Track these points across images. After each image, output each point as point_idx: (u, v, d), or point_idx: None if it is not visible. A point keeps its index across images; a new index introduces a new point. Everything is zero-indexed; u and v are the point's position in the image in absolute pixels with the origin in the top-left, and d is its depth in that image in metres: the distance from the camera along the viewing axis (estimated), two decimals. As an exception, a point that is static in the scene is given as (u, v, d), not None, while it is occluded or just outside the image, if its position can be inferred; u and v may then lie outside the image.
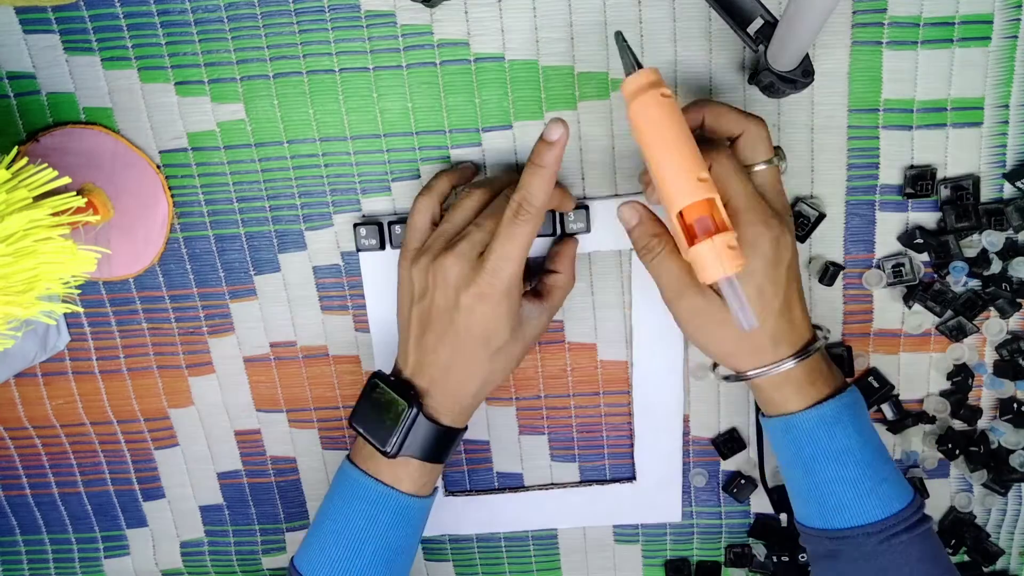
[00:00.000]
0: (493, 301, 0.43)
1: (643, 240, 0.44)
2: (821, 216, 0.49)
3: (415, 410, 0.45)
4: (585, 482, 0.57)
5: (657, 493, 0.56)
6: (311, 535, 0.48)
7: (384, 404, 0.45)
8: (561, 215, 0.49)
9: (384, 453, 0.45)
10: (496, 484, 0.57)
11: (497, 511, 0.57)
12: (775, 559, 0.56)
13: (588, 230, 0.49)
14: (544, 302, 0.47)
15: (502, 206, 0.44)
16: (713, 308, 0.42)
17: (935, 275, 0.51)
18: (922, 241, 0.50)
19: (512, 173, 0.48)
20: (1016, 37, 0.47)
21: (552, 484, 0.57)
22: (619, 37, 0.41)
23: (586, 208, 0.49)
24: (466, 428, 0.48)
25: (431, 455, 0.46)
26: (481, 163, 0.50)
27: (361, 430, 0.46)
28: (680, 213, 0.38)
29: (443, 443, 0.46)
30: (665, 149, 0.38)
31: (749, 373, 0.44)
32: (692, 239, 0.38)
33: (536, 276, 0.49)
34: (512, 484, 0.57)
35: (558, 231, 0.50)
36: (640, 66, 0.39)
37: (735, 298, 0.38)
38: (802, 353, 0.43)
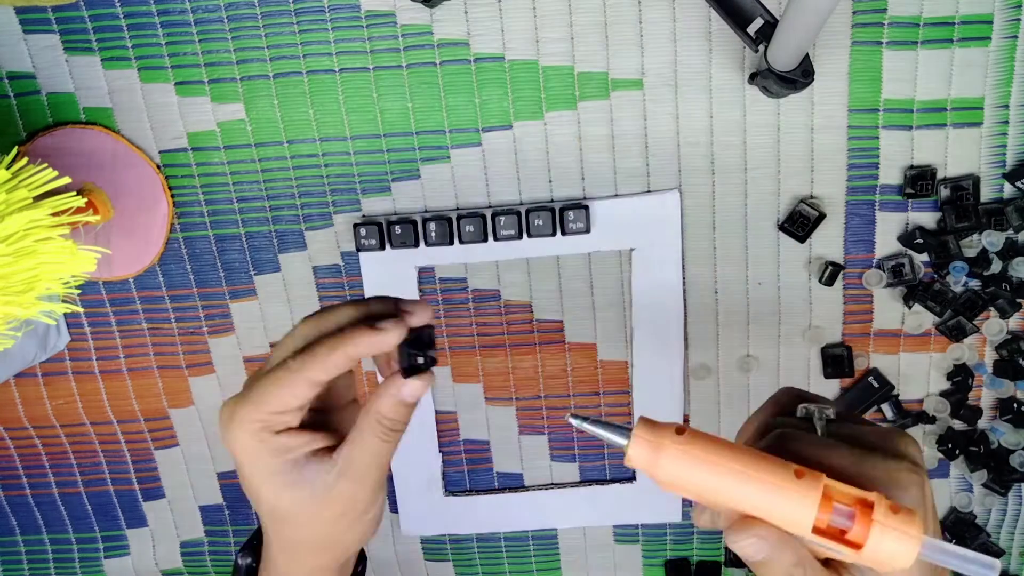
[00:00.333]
0: (235, 447, 0.34)
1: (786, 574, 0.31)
2: (821, 216, 0.49)
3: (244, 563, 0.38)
4: (585, 482, 0.57)
5: (657, 493, 0.56)
6: None
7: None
8: (561, 214, 0.49)
9: None
10: (496, 484, 0.57)
11: (497, 511, 0.57)
12: None
13: (588, 230, 0.49)
14: (336, 456, 0.34)
15: (279, 343, 0.35)
16: None
17: (935, 275, 0.51)
18: (922, 241, 0.50)
19: (349, 309, 0.35)
20: (1016, 37, 0.47)
21: (552, 484, 0.57)
22: (582, 421, 0.32)
23: (586, 208, 0.49)
24: None
25: None
26: (481, 163, 0.50)
27: None
28: (814, 529, 0.29)
29: None
30: (737, 484, 0.30)
31: None
32: (842, 537, 0.29)
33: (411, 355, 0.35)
34: (512, 484, 0.57)
35: (557, 232, 0.49)
36: (627, 430, 0.32)
37: (958, 555, 0.30)
38: None
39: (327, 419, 0.36)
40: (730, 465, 0.30)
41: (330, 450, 0.34)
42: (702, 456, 0.30)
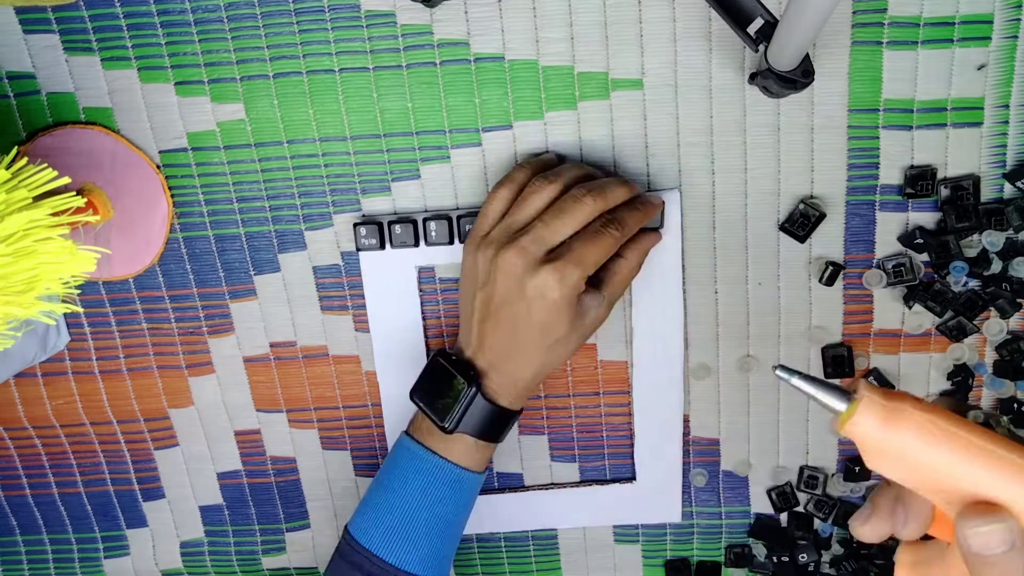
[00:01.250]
0: (555, 297, 0.44)
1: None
2: (822, 216, 0.49)
3: (474, 389, 0.46)
4: (585, 482, 0.57)
5: (657, 493, 0.56)
6: (366, 503, 0.49)
7: (445, 381, 0.47)
8: None
9: (442, 428, 0.46)
10: (496, 484, 0.57)
11: (497, 511, 0.57)
12: (775, 559, 0.56)
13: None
14: (604, 291, 0.47)
15: (576, 211, 0.44)
16: None
17: (935, 275, 0.51)
18: (922, 241, 0.50)
19: (580, 166, 0.47)
20: (1016, 37, 0.47)
21: (552, 484, 0.57)
22: (798, 376, 0.29)
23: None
24: (522, 410, 0.49)
25: (487, 434, 0.47)
26: (481, 163, 0.50)
27: (422, 404, 0.47)
28: None
29: (499, 423, 0.47)
30: (989, 463, 0.26)
31: None
32: None
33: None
34: (512, 484, 0.57)
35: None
36: (850, 392, 0.28)
37: None
38: None
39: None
40: (974, 440, 0.26)
41: (589, 286, 0.46)
42: (949, 429, 0.27)
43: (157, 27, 0.48)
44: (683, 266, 0.52)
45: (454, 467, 0.47)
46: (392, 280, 0.52)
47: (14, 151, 0.38)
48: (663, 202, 0.49)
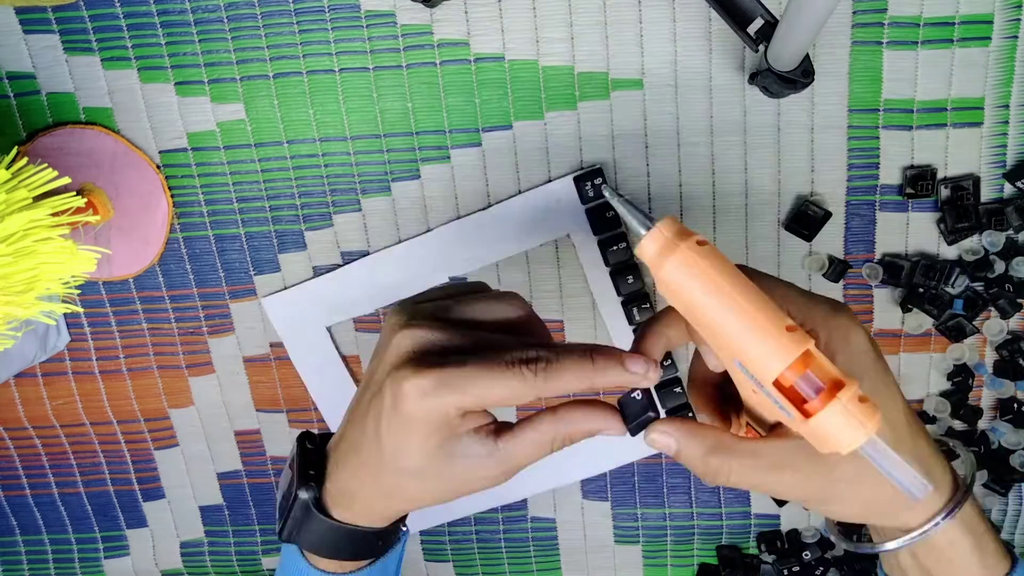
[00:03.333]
0: (407, 414, 0.31)
1: (702, 464, 0.32)
2: (828, 214, 0.49)
3: (304, 495, 0.35)
4: None
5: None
6: None
7: (286, 474, 0.37)
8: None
9: (278, 534, 0.37)
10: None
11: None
12: (785, 571, 0.56)
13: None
14: (499, 442, 0.33)
15: (496, 298, 0.35)
16: (842, 469, 0.32)
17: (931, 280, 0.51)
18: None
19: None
20: (1016, 37, 0.47)
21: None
22: (614, 196, 0.31)
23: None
24: (396, 531, 0.38)
25: (335, 553, 0.37)
26: (481, 163, 0.50)
27: (278, 496, 0.38)
28: (776, 381, 0.29)
29: (346, 543, 0.36)
30: (729, 309, 0.29)
31: (910, 535, 0.33)
32: (802, 405, 0.29)
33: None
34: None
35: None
36: (652, 220, 0.30)
37: (895, 465, 0.29)
38: (954, 504, 0.34)
39: None
40: (731, 291, 0.29)
41: (485, 428, 0.33)
42: (708, 272, 0.29)
43: (157, 27, 0.48)
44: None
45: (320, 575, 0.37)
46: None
47: (14, 151, 0.38)
48: (641, 393, 0.35)
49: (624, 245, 0.50)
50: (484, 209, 0.51)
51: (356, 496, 0.35)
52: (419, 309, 0.34)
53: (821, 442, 0.29)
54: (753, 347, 0.29)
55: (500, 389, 0.31)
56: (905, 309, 0.51)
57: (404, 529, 0.39)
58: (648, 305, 0.51)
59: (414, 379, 0.31)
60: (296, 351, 0.53)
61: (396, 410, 0.32)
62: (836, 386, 0.29)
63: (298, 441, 0.38)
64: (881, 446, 0.29)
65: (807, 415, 0.29)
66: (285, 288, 0.52)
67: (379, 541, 0.37)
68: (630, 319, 0.51)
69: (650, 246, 0.30)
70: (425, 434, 0.32)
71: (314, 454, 0.37)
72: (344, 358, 0.54)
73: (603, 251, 0.50)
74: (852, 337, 0.33)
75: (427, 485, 0.34)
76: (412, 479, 0.33)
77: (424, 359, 0.32)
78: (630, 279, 0.51)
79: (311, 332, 0.53)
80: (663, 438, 0.33)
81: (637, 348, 0.34)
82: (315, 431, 0.39)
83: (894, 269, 0.50)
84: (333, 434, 0.37)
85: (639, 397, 0.34)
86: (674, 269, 0.30)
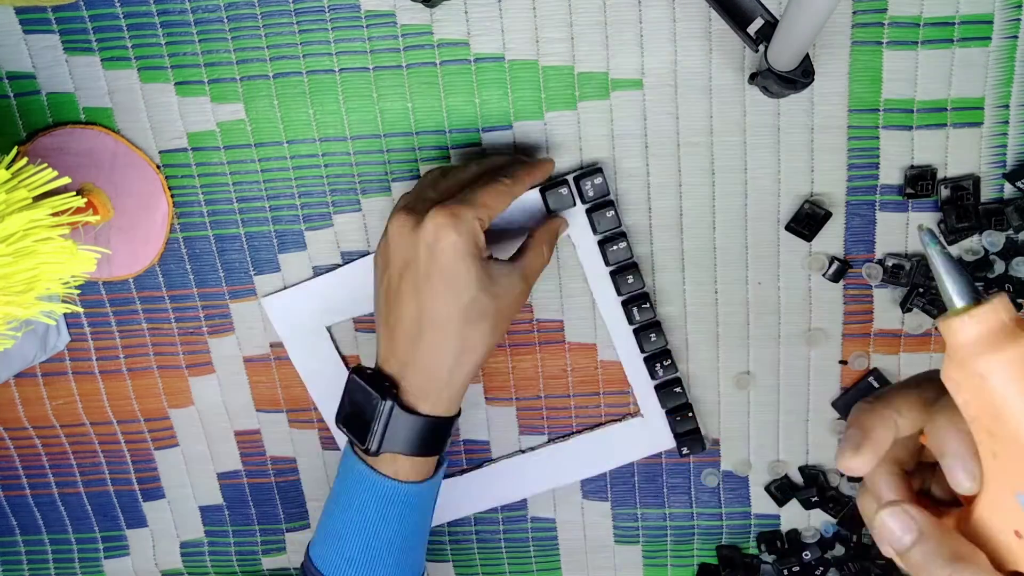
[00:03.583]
0: (453, 241, 0.40)
1: (940, 565, 0.27)
2: (828, 215, 0.49)
3: (389, 403, 0.42)
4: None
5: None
6: (323, 526, 0.47)
7: (360, 400, 0.43)
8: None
9: (367, 451, 0.43)
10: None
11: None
12: (785, 571, 0.56)
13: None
14: (514, 262, 0.44)
15: (459, 171, 0.45)
16: None
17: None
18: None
19: (506, 156, 0.48)
20: (1016, 37, 0.47)
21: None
22: (936, 247, 0.26)
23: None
24: (458, 414, 0.45)
25: (419, 449, 0.43)
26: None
27: (344, 430, 0.44)
28: None
29: (428, 435, 0.43)
30: None
31: None
32: None
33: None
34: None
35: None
36: (979, 294, 0.25)
37: None
38: None
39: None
40: None
41: (496, 260, 0.43)
42: None
43: (157, 27, 0.48)
44: (683, 266, 0.52)
45: (399, 485, 0.44)
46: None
47: (14, 151, 0.38)
48: (552, 162, 0.47)
49: (624, 245, 0.50)
50: None
51: (437, 376, 0.42)
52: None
53: None
54: None
55: (493, 195, 0.42)
56: (905, 309, 0.51)
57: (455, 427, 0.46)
58: (648, 304, 0.51)
59: (438, 215, 0.40)
60: (296, 351, 0.53)
61: (440, 244, 0.40)
62: None
63: (355, 372, 0.44)
64: None
65: None
66: (285, 288, 0.52)
67: (449, 430, 0.45)
68: (630, 319, 0.51)
69: (973, 328, 0.25)
70: (469, 255, 0.40)
71: (373, 377, 0.44)
72: (344, 358, 0.54)
73: (603, 251, 0.50)
74: None
75: (488, 316, 0.42)
76: (477, 315, 0.41)
77: (424, 213, 0.41)
78: (630, 278, 0.51)
79: (311, 332, 0.53)
80: (901, 521, 0.27)
81: (852, 427, 0.29)
82: (366, 367, 0.45)
83: (895, 269, 0.50)
84: (376, 363, 0.44)
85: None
86: (1006, 366, 0.24)
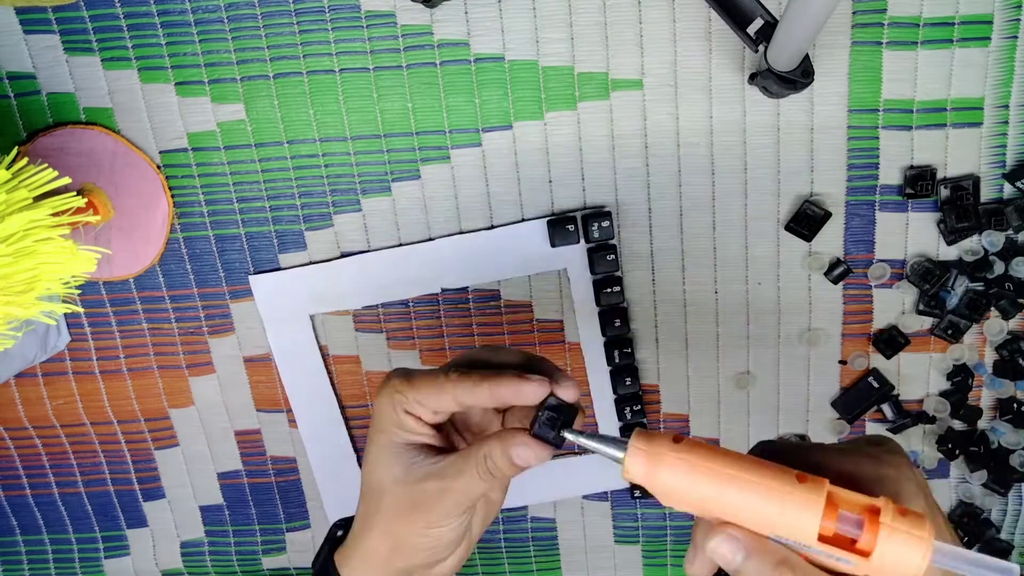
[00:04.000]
0: (376, 405, 0.37)
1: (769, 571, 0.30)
2: (828, 215, 0.49)
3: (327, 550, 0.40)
4: (557, 455, 0.56)
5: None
6: None
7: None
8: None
9: None
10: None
11: None
12: None
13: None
14: (447, 457, 0.37)
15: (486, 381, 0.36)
16: None
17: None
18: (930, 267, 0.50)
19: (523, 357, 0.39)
20: (1016, 37, 0.47)
21: None
22: (579, 435, 0.33)
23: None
24: None
25: None
26: (481, 163, 0.50)
27: None
28: (819, 537, 0.28)
29: None
30: (739, 489, 0.28)
31: None
32: (850, 546, 0.28)
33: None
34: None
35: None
36: (623, 441, 0.31)
37: (966, 561, 0.28)
38: None
39: (457, 435, 0.40)
40: (730, 471, 0.29)
41: (438, 452, 0.38)
42: (700, 463, 0.29)
43: (157, 27, 0.48)
44: (683, 266, 0.52)
45: None
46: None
47: (14, 151, 0.38)
48: (539, 391, 0.35)
49: (618, 289, 0.51)
50: (488, 229, 0.51)
51: (366, 555, 0.38)
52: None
53: (894, 573, 0.28)
54: (781, 516, 0.28)
55: (431, 381, 0.36)
56: (920, 311, 0.51)
57: None
58: (629, 350, 0.52)
59: (381, 391, 0.37)
60: (275, 334, 0.53)
61: (373, 426, 0.38)
62: (873, 512, 0.28)
63: (331, 529, 0.42)
64: (949, 548, 0.27)
65: (864, 554, 0.27)
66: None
67: None
68: (609, 360, 0.52)
69: (636, 466, 0.30)
70: (383, 427, 0.37)
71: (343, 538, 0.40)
72: (322, 347, 0.54)
73: (596, 291, 0.51)
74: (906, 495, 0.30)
75: (407, 516, 0.37)
76: (394, 507, 0.37)
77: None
78: (617, 322, 0.51)
79: (294, 317, 0.53)
80: (729, 544, 0.30)
81: (689, 560, 0.32)
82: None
83: (925, 272, 0.50)
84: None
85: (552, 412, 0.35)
86: (669, 476, 0.29)
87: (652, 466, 0.30)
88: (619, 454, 0.31)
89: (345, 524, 0.41)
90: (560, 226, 0.49)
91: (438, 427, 0.38)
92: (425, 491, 0.36)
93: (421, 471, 0.36)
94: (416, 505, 0.36)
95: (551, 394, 0.35)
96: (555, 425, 0.34)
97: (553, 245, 0.50)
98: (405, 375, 0.37)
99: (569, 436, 0.33)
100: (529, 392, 0.35)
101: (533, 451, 0.35)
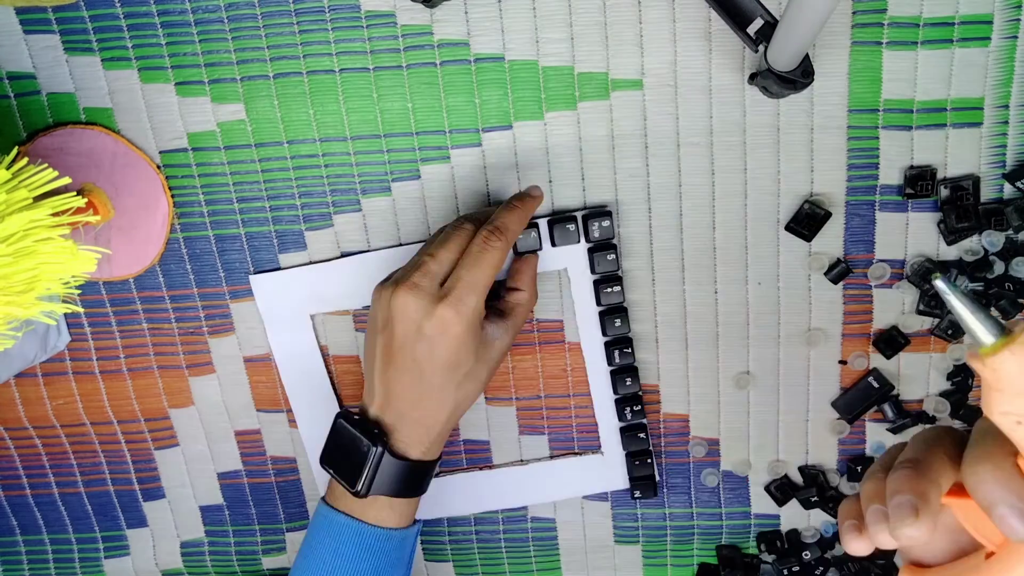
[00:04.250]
0: (458, 331, 0.43)
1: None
2: (828, 215, 0.49)
3: (380, 449, 0.44)
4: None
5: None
6: None
7: (351, 444, 0.45)
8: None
9: (355, 494, 0.44)
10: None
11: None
12: (785, 571, 0.56)
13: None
14: (507, 320, 0.47)
15: (456, 236, 0.44)
16: None
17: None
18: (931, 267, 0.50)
19: (507, 207, 0.46)
20: (1016, 37, 0.47)
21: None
22: (955, 291, 0.27)
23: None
24: (440, 458, 0.48)
25: (404, 490, 0.45)
26: (481, 163, 0.50)
27: (331, 471, 0.46)
28: None
29: (415, 477, 0.45)
30: None
31: None
32: None
33: (498, 295, 0.49)
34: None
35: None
36: (1005, 329, 0.27)
37: None
38: None
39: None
40: None
41: (491, 316, 0.46)
42: None
43: (157, 27, 0.48)
44: (683, 266, 0.52)
45: (377, 530, 0.45)
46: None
47: (14, 151, 0.38)
48: (541, 193, 0.48)
49: (618, 289, 0.51)
50: None
51: (430, 429, 0.45)
52: (401, 272, 0.45)
53: None
54: None
55: (488, 269, 0.43)
56: (920, 311, 0.51)
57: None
58: (629, 350, 0.52)
59: (446, 309, 0.42)
60: (275, 333, 0.53)
61: (446, 335, 0.43)
62: None
63: (342, 417, 0.46)
64: None
65: None
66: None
67: (432, 471, 0.47)
68: (610, 360, 0.52)
69: (1015, 360, 0.25)
70: (471, 338, 0.43)
71: (362, 422, 0.45)
72: (321, 347, 0.54)
73: (597, 291, 0.51)
74: None
75: (480, 379, 0.45)
76: (470, 381, 0.45)
77: (432, 294, 0.43)
78: (617, 322, 0.51)
79: (294, 316, 0.53)
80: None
81: (898, 494, 0.30)
82: (351, 409, 0.47)
83: (924, 272, 0.50)
84: (362, 407, 0.46)
85: None
86: None
87: None
88: (990, 338, 0.26)
89: (367, 435, 0.45)
90: (560, 225, 0.49)
91: None
92: (503, 346, 0.46)
93: (501, 337, 0.46)
94: (494, 358, 0.46)
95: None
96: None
97: (554, 245, 0.50)
98: (467, 288, 0.43)
99: (941, 284, 0.27)
100: (537, 194, 0.47)
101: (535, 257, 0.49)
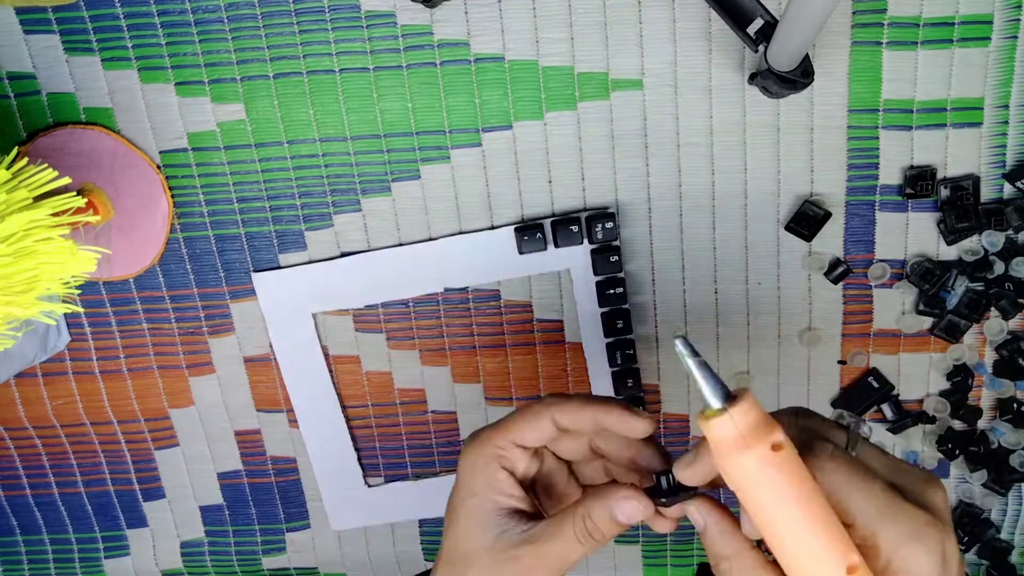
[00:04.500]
0: (460, 461, 0.37)
1: (715, 555, 0.32)
2: (828, 215, 0.49)
3: None
4: None
5: None
6: None
7: None
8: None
9: None
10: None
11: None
12: None
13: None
14: (537, 544, 0.34)
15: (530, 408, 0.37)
16: None
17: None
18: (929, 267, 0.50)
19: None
20: (1016, 37, 0.47)
21: None
22: (691, 356, 0.30)
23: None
24: None
25: None
26: (481, 163, 0.50)
27: None
28: None
29: None
30: (791, 534, 0.27)
31: None
32: None
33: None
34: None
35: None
36: (730, 396, 0.28)
37: None
38: None
39: (542, 505, 0.38)
40: (798, 512, 0.27)
41: (528, 518, 0.36)
42: (779, 485, 0.27)
43: (157, 27, 0.48)
44: (683, 266, 0.52)
45: None
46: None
47: (14, 151, 0.38)
48: (647, 425, 0.36)
49: (621, 290, 0.51)
50: (491, 229, 0.51)
51: None
52: None
53: None
54: (806, 571, 0.28)
55: (526, 419, 0.36)
56: (920, 311, 0.51)
57: None
58: (632, 351, 0.52)
59: (468, 450, 0.36)
60: (277, 332, 0.53)
61: (459, 491, 0.36)
62: None
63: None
64: None
65: None
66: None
67: None
68: (612, 362, 0.52)
69: (721, 434, 0.27)
70: (481, 507, 0.35)
71: None
72: (322, 347, 0.54)
73: (599, 292, 0.51)
74: (914, 567, 0.29)
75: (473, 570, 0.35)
76: (462, 558, 0.35)
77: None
78: (619, 323, 0.51)
79: (296, 315, 0.53)
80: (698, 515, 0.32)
81: (687, 463, 0.32)
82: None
83: (926, 272, 0.50)
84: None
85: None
86: (742, 469, 0.27)
87: (737, 449, 0.27)
88: (715, 404, 0.28)
89: None
90: (563, 227, 0.49)
91: (525, 489, 0.37)
92: (519, 558, 0.34)
93: (514, 538, 0.35)
94: (504, 572, 0.35)
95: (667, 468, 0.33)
96: (673, 491, 0.33)
97: (556, 246, 0.50)
98: (490, 426, 0.36)
99: (680, 346, 0.30)
100: (639, 426, 0.35)
101: (640, 507, 0.33)
